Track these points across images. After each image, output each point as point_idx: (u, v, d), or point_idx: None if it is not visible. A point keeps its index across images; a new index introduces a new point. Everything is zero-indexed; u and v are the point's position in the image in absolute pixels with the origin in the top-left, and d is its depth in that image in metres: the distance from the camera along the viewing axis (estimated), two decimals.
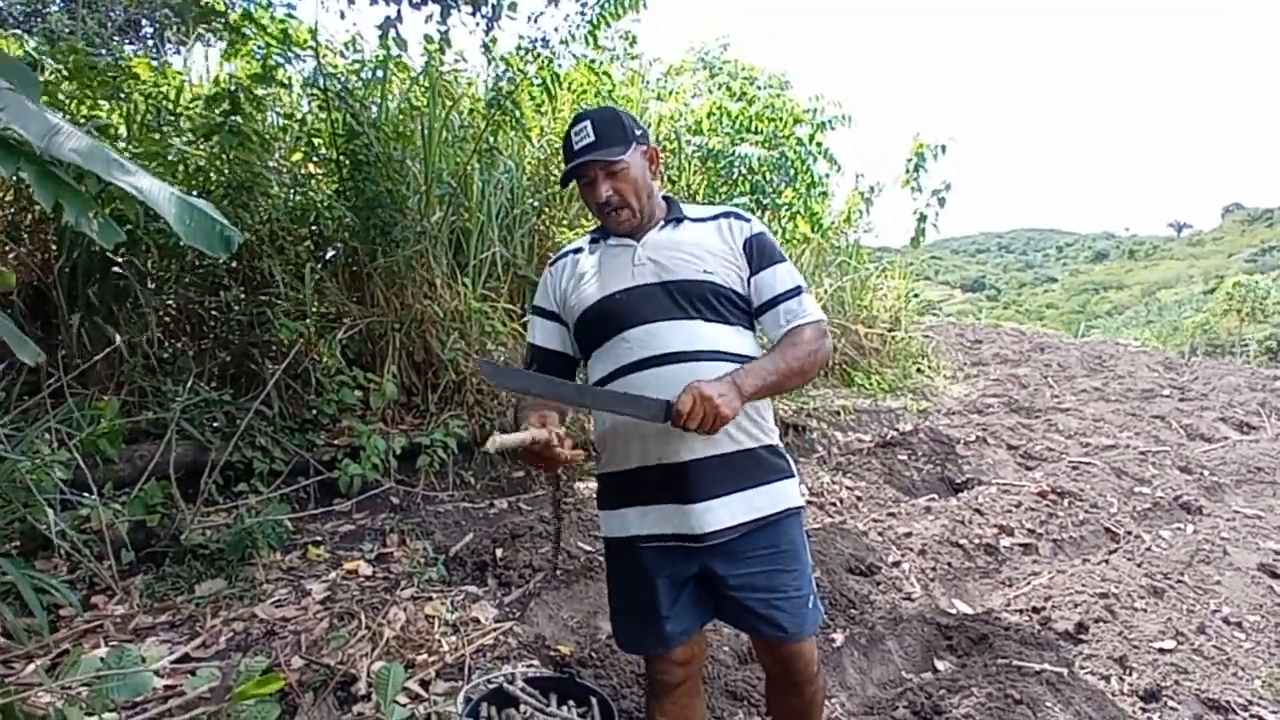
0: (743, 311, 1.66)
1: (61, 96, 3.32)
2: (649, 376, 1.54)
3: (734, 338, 1.60)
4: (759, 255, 1.66)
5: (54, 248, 3.32)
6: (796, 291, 1.65)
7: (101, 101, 3.55)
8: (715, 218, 1.72)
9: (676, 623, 1.61)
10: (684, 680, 1.70)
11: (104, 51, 3.54)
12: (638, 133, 1.66)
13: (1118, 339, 15.80)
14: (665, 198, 1.78)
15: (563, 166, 1.70)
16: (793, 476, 1.65)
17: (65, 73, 3.29)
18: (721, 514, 1.53)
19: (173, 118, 3.74)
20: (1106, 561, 3.57)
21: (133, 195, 1.69)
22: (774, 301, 1.64)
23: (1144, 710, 2.48)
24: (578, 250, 1.77)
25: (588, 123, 1.62)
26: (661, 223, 1.70)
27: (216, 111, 3.46)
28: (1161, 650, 2.78)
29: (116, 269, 3.30)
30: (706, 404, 1.39)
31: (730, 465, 1.55)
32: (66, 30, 3.58)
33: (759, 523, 1.56)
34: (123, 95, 3.58)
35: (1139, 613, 3.06)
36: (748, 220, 1.71)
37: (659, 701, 1.71)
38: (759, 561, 1.57)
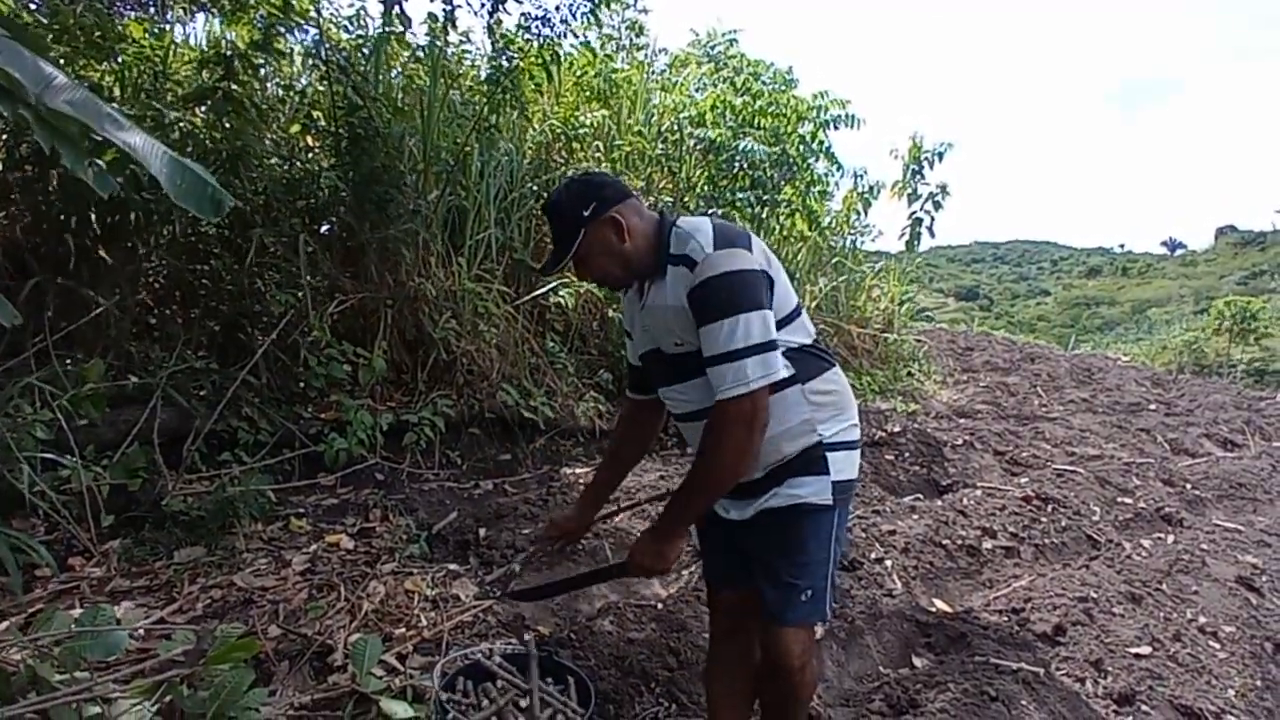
0: None
1: (54, 57, 3.26)
2: (686, 428, 1.75)
3: None
4: (699, 313, 1.51)
5: (42, 207, 3.28)
6: (726, 357, 1.46)
7: (94, 64, 3.49)
8: (678, 261, 1.55)
9: (711, 558, 1.92)
10: (729, 632, 1.89)
11: (93, 15, 3.46)
12: (586, 213, 1.55)
13: (1107, 353, 15.88)
14: (665, 222, 1.62)
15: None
16: (821, 474, 1.63)
17: (53, 34, 3.24)
18: (740, 510, 1.73)
19: (166, 81, 3.68)
20: (1087, 567, 3.58)
21: (125, 151, 1.67)
22: (709, 363, 1.51)
23: (1117, 713, 2.49)
24: None
25: (549, 222, 1.66)
26: (660, 271, 1.60)
27: (211, 78, 3.41)
28: (1137, 655, 2.80)
29: (93, 230, 3.25)
30: (645, 571, 1.67)
31: (756, 481, 1.67)
32: None
33: (771, 510, 1.68)
34: (115, 57, 3.52)
35: (1116, 618, 3.08)
36: (696, 263, 1.50)
37: (713, 646, 1.95)
38: (762, 532, 1.70)
